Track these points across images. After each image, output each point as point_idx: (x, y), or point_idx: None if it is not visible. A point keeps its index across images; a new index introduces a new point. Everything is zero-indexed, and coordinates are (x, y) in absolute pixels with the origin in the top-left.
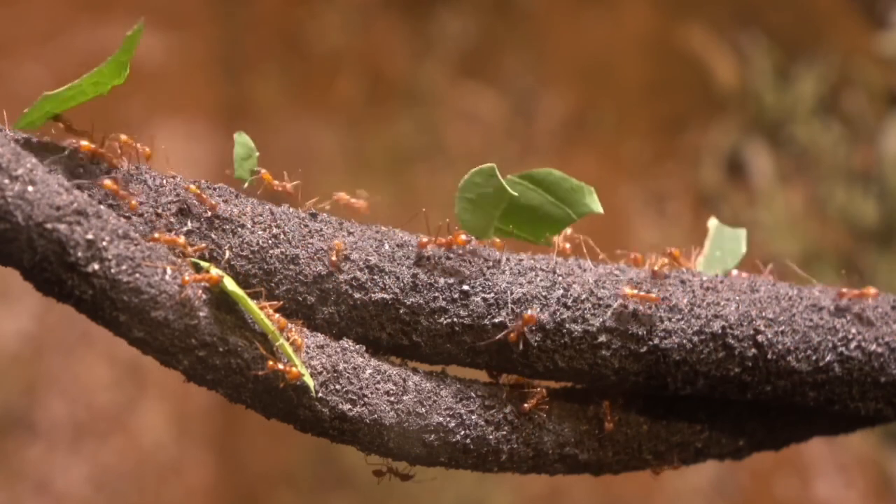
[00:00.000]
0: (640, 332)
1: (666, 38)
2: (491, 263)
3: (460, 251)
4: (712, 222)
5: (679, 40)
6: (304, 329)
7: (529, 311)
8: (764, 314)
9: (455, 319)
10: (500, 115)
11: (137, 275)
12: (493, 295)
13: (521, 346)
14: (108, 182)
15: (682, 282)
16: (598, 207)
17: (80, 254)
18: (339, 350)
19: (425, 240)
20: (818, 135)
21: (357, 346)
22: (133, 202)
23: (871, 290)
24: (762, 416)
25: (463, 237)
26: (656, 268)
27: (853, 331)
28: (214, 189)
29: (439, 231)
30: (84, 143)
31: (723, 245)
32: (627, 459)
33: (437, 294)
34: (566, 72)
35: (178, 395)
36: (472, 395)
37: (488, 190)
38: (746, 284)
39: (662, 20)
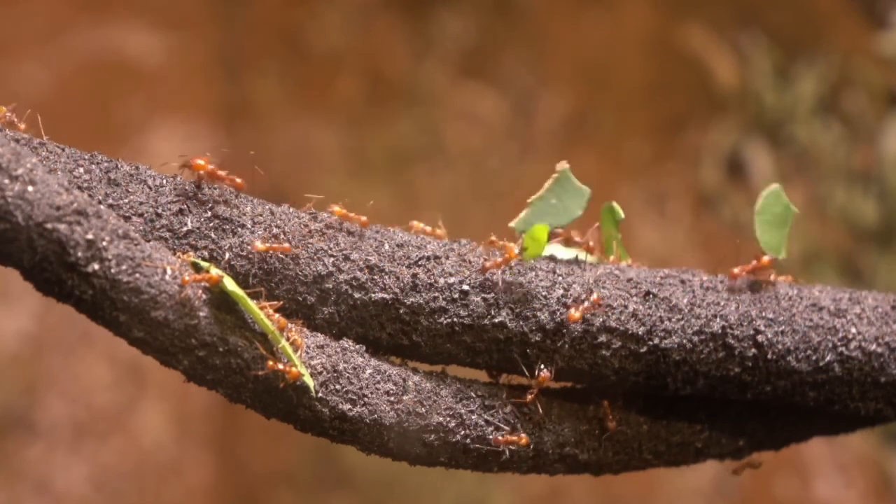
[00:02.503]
0: (640, 332)
1: (666, 38)
2: (490, 263)
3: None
4: (562, 165)
5: (679, 40)
6: (304, 329)
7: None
8: (764, 314)
9: (455, 319)
10: (500, 115)
11: (137, 275)
12: (492, 295)
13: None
14: None
15: (682, 282)
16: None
17: (80, 254)
18: (339, 350)
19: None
20: (818, 135)
21: (357, 346)
22: None
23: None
24: (762, 416)
25: None
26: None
27: (853, 331)
28: (214, 189)
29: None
30: None
31: (563, 197)
32: (627, 459)
33: (437, 294)
34: (566, 72)
35: (178, 395)
36: (472, 395)
37: (778, 209)
38: (746, 284)
39: (662, 20)
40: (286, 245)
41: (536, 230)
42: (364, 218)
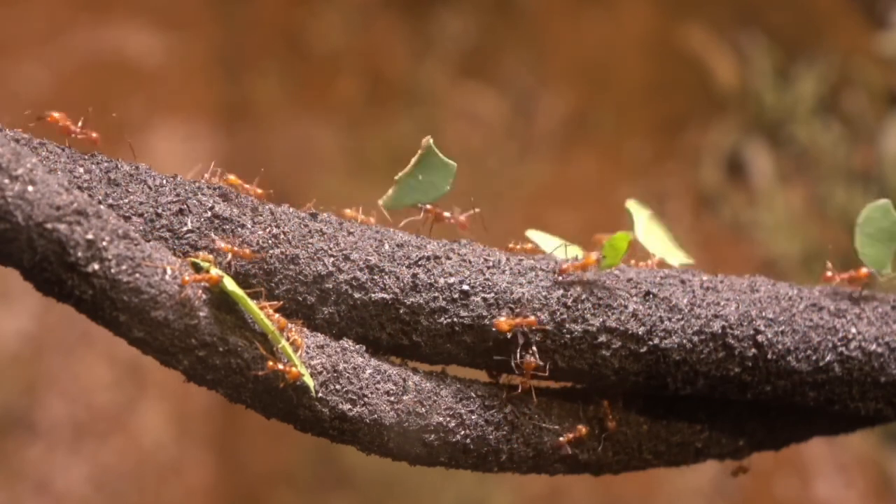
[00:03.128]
0: (639, 332)
1: (666, 38)
2: (491, 263)
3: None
4: (426, 140)
5: (679, 40)
6: (304, 329)
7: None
8: (764, 314)
9: (455, 319)
10: (500, 115)
11: (137, 275)
12: (493, 295)
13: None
14: None
15: (682, 282)
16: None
17: (80, 254)
18: (339, 350)
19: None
20: (818, 135)
21: (357, 346)
22: None
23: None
24: (762, 416)
25: None
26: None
27: (853, 331)
28: (214, 189)
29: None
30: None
31: (430, 173)
32: (627, 459)
33: (437, 294)
34: (566, 72)
35: (178, 395)
36: (472, 395)
37: (885, 224)
38: (746, 284)
39: (662, 20)
40: (246, 251)
41: (617, 239)
42: (260, 191)
